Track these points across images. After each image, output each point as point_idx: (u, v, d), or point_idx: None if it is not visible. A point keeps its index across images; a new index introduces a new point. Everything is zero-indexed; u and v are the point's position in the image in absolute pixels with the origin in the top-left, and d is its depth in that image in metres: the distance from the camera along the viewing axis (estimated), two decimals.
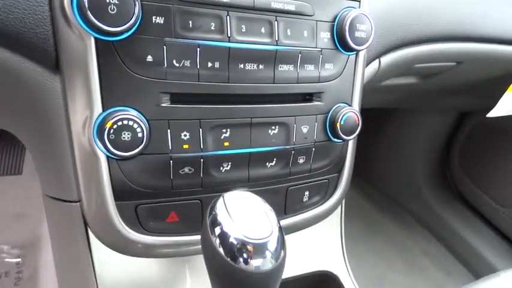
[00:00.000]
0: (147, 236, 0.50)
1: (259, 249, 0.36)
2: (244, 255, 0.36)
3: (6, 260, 1.23)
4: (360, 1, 0.58)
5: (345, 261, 0.68)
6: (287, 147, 0.55)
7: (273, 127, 0.54)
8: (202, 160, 0.50)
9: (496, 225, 1.54)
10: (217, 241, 0.37)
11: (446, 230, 1.65)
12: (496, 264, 1.51)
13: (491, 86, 1.13)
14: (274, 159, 0.55)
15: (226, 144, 0.51)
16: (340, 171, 0.63)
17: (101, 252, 0.53)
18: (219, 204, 0.39)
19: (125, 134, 0.43)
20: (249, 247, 0.36)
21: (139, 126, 0.44)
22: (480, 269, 1.53)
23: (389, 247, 1.66)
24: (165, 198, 0.50)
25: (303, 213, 0.61)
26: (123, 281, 0.54)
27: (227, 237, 0.37)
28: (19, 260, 1.23)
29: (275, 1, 0.50)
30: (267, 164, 0.55)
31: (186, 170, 0.49)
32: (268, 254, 0.37)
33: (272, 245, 0.37)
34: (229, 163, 0.52)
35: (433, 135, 1.67)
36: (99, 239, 0.50)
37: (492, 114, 1.10)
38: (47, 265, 1.14)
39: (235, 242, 0.36)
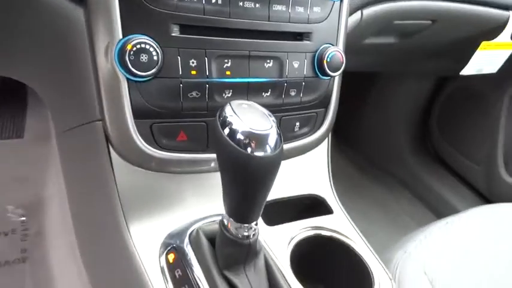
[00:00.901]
0: (161, 151, 0.57)
1: (263, 138, 0.44)
2: (251, 144, 0.44)
3: (12, 219, 1.29)
4: None
5: (331, 187, 0.77)
6: (280, 79, 0.63)
7: (268, 61, 0.62)
8: (207, 86, 0.57)
9: (471, 183, 1.67)
10: (228, 137, 0.45)
11: (427, 191, 1.77)
12: None
13: (465, 48, 1.22)
14: (269, 89, 0.63)
15: (228, 73, 0.59)
16: (327, 106, 0.72)
17: (121, 169, 0.60)
18: (227, 108, 0.47)
19: (142, 56, 0.51)
20: (254, 137, 0.44)
21: (155, 50, 0.51)
22: None
23: (374, 208, 1.76)
24: (175, 118, 0.57)
25: (294, 141, 0.69)
26: (141, 196, 0.62)
27: (236, 132, 0.44)
28: (24, 218, 1.29)
29: None
30: (263, 94, 0.63)
31: (194, 94, 0.57)
32: (269, 143, 0.45)
33: (272, 136, 0.45)
34: (231, 90, 0.60)
35: (414, 101, 1.78)
36: (120, 154, 0.57)
37: (464, 72, 1.20)
38: (52, 223, 1.20)
39: (242, 136, 0.44)
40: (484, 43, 1.14)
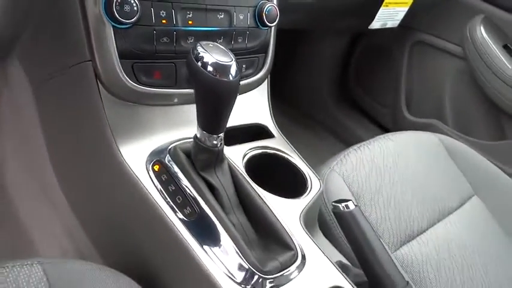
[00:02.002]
0: (141, 86, 0.71)
1: (227, 68, 0.61)
2: (219, 72, 0.61)
3: None
4: None
5: (271, 118, 0.98)
6: (230, 28, 0.80)
7: (220, 13, 0.78)
8: (175, 33, 0.72)
9: (381, 123, 2.01)
10: (201, 67, 0.61)
11: (346, 132, 2.07)
12: None
13: (371, 5, 1.46)
14: (222, 37, 0.79)
15: (190, 22, 0.74)
16: (266, 51, 0.90)
17: (108, 102, 0.73)
18: (199, 46, 0.63)
19: (126, 6, 0.64)
20: (221, 67, 0.61)
21: (135, 2, 0.65)
22: None
23: (302, 150, 2.02)
24: (151, 59, 0.72)
25: (242, 80, 0.87)
26: (125, 124, 0.75)
27: (207, 64, 0.61)
28: None
29: None
30: (217, 40, 0.79)
31: (165, 39, 0.71)
32: (231, 71, 0.62)
33: (233, 66, 0.62)
34: (193, 37, 0.75)
35: (334, 56, 2.04)
36: (107, 90, 0.70)
37: (371, 26, 1.44)
38: (15, 177, 1.26)
39: (212, 67, 0.61)
40: (386, 1, 1.38)
